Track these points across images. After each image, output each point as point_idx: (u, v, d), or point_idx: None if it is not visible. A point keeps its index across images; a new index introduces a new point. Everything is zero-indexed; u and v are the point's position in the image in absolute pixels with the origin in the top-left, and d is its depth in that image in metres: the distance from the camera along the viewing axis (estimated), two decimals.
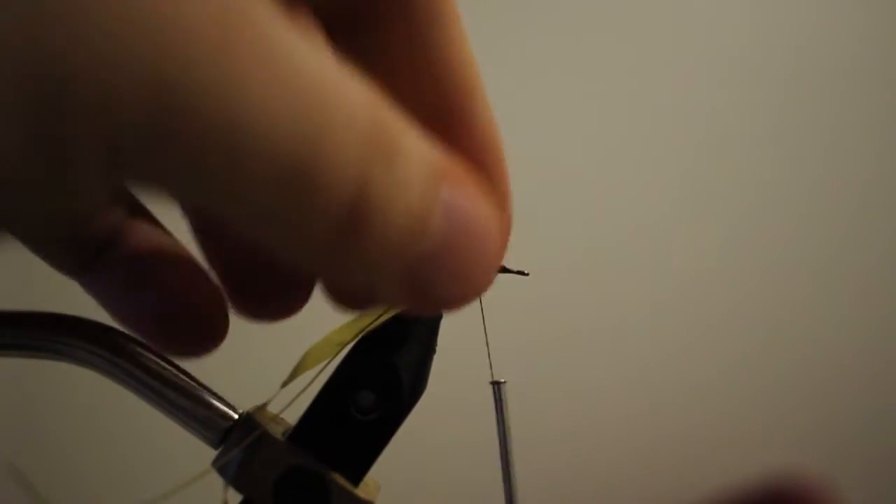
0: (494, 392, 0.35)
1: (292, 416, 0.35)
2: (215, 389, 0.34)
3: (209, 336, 0.27)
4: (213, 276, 0.27)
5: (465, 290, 0.20)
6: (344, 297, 0.28)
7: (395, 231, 0.17)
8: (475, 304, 0.37)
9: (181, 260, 0.27)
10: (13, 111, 0.15)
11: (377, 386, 0.34)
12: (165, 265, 0.26)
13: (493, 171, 0.25)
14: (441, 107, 0.24)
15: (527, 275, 0.37)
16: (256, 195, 0.17)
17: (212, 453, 0.34)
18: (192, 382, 0.34)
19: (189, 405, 0.33)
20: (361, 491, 0.33)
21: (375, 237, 0.17)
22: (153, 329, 0.26)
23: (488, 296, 0.39)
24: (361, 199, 0.17)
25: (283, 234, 0.18)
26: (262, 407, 0.34)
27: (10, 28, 0.14)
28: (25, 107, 0.15)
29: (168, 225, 0.28)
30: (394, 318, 0.36)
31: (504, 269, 0.38)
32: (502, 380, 0.35)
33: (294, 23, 0.17)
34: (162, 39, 0.15)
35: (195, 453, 0.36)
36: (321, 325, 0.35)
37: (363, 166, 0.17)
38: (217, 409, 0.34)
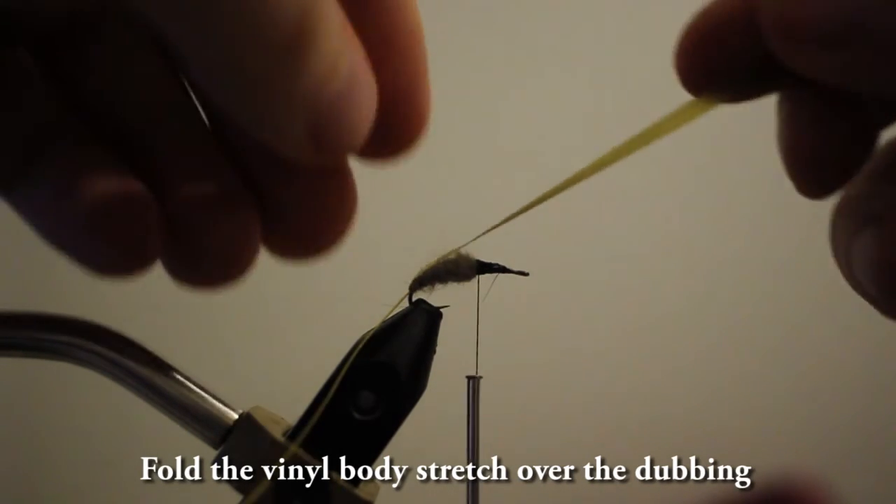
0: (469, 386, 0.35)
1: (291, 414, 0.35)
2: (215, 389, 0.34)
3: (138, 252, 0.25)
4: (144, 191, 0.26)
5: (353, 135, 0.23)
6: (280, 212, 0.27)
7: (322, 63, 0.21)
8: (470, 302, 0.37)
9: (113, 173, 0.25)
10: None
11: (377, 386, 0.34)
12: (96, 175, 0.25)
13: (400, 46, 0.26)
14: None
15: (527, 275, 0.37)
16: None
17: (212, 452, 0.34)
18: (193, 382, 0.34)
19: (189, 405, 0.33)
20: (361, 491, 0.33)
21: (311, 60, 0.21)
22: (80, 240, 0.25)
23: (486, 294, 0.39)
24: (306, 19, 0.20)
25: (238, 47, 0.20)
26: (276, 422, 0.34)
27: None
28: None
29: None
30: (394, 318, 0.36)
31: (505, 270, 0.38)
32: (479, 375, 0.36)
33: None
34: None
35: (195, 453, 0.36)
36: (319, 329, 0.35)
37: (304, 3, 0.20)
38: (217, 408, 0.34)
